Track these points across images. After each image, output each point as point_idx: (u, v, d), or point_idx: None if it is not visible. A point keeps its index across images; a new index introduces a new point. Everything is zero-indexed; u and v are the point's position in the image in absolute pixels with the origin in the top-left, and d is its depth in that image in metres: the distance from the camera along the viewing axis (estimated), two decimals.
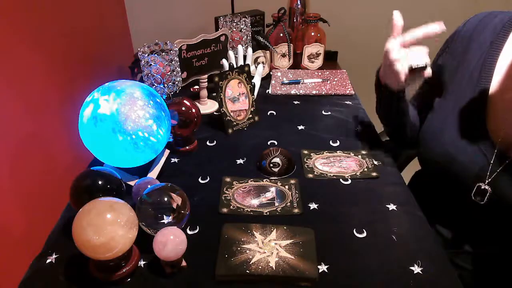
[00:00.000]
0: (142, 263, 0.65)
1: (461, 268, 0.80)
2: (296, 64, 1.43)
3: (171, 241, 0.59)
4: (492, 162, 0.71)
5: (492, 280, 0.79)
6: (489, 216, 0.75)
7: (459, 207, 0.79)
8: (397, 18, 0.74)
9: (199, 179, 0.84)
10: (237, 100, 1.02)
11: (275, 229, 0.69)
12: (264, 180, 0.84)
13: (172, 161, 0.91)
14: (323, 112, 1.12)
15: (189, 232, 0.70)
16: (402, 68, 0.73)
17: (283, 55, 1.38)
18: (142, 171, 0.81)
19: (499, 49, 0.74)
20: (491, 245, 0.79)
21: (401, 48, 0.73)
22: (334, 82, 1.28)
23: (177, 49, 0.98)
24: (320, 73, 1.34)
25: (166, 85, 0.96)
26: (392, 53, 0.73)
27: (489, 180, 0.72)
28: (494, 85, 0.73)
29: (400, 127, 0.89)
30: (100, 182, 0.67)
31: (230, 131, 1.01)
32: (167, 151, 0.88)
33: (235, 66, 1.09)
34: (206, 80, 1.11)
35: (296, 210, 0.75)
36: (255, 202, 0.78)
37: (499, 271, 0.78)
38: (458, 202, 0.78)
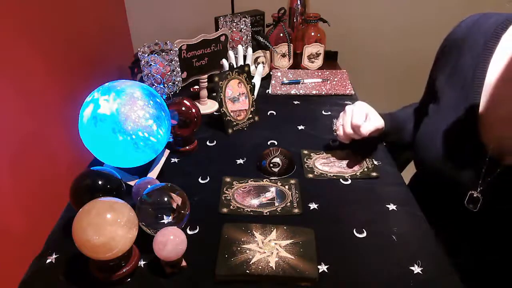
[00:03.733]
0: (142, 263, 0.65)
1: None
2: (296, 64, 1.43)
3: (171, 241, 0.59)
4: (483, 170, 0.71)
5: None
6: (482, 223, 0.74)
7: (453, 213, 0.78)
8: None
9: (199, 179, 0.84)
10: (237, 100, 1.02)
11: (275, 229, 0.69)
12: (264, 180, 0.84)
13: (172, 161, 0.91)
14: (323, 112, 1.12)
15: (189, 232, 0.70)
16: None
17: (283, 55, 1.38)
18: (142, 171, 0.81)
19: (490, 55, 0.71)
20: (487, 252, 0.77)
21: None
22: (334, 82, 1.28)
23: (177, 49, 0.98)
24: (320, 73, 1.34)
25: (166, 85, 0.96)
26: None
27: (481, 188, 0.71)
28: (484, 96, 0.71)
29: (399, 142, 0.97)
30: (100, 182, 0.67)
31: (230, 131, 1.01)
32: (167, 151, 0.88)
33: (235, 66, 1.09)
34: (206, 80, 1.11)
35: (296, 210, 0.75)
36: (255, 202, 0.78)
37: (495, 278, 0.77)
38: (453, 208, 0.77)
